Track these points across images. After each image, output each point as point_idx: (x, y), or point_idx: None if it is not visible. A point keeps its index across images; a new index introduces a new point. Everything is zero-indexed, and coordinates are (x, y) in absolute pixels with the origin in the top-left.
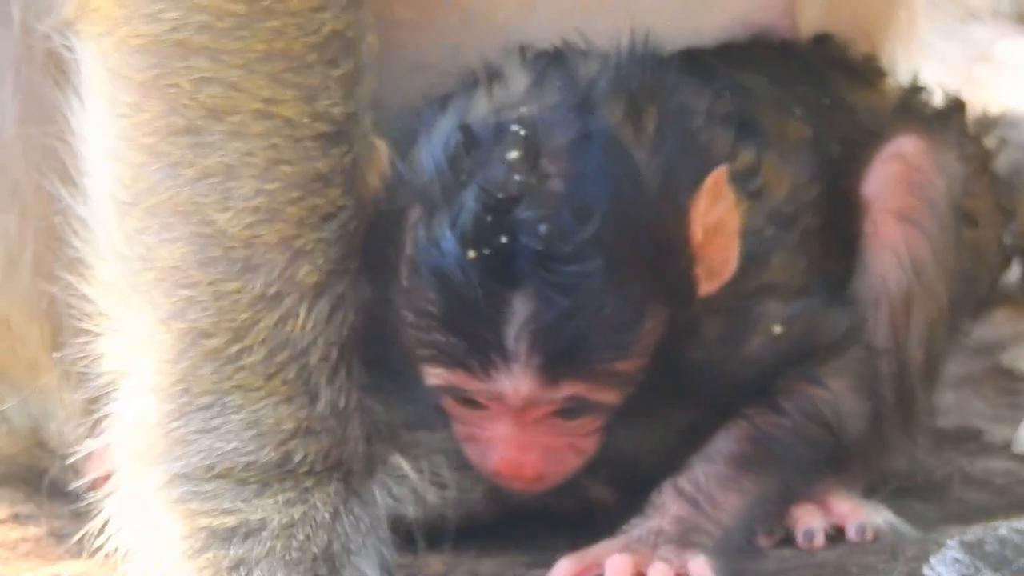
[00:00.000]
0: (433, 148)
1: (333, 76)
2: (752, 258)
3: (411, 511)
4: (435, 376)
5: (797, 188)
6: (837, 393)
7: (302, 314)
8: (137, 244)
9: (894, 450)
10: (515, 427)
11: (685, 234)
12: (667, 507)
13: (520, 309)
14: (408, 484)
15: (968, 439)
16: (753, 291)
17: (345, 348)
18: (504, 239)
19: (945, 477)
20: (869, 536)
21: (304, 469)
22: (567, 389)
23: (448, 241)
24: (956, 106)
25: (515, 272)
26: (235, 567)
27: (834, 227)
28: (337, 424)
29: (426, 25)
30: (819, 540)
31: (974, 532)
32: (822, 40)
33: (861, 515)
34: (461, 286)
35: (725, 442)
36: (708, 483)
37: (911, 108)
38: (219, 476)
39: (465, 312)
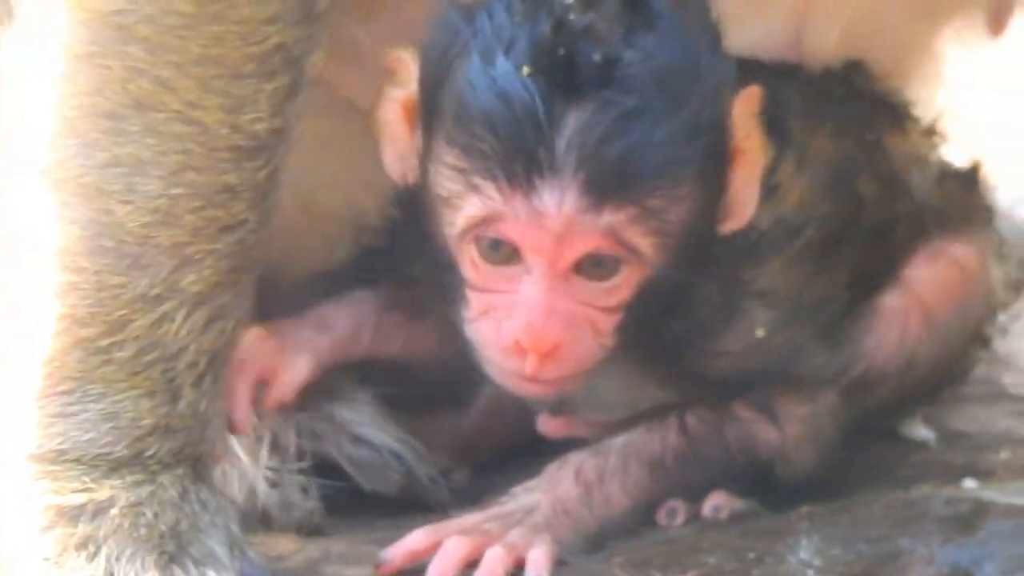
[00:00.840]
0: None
1: (266, 90)
2: (753, 252)
3: (239, 498)
4: (465, 212)
5: (806, 201)
6: (788, 439)
7: (179, 320)
8: (36, 213)
9: None
10: (545, 279)
11: (725, 123)
12: (557, 485)
13: (573, 121)
14: (240, 467)
15: None
16: (747, 286)
17: (216, 357)
18: (562, 51)
19: None
20: (724, 515)
21: (154, 461)
22: (609, 215)
23: (503, 61)
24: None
25: (571, 84)
26: (83, 544)
27: (842, 251)
28: (195, 424)
29: None
30: (680, 519)
31: (827, 510)
32: (854, 68)
33: (719, 496)
34: (516, 99)
35: (652, 444)
36: (612, 478)
37: (962, 205)
38: (70, 460)
39: (517, 125)
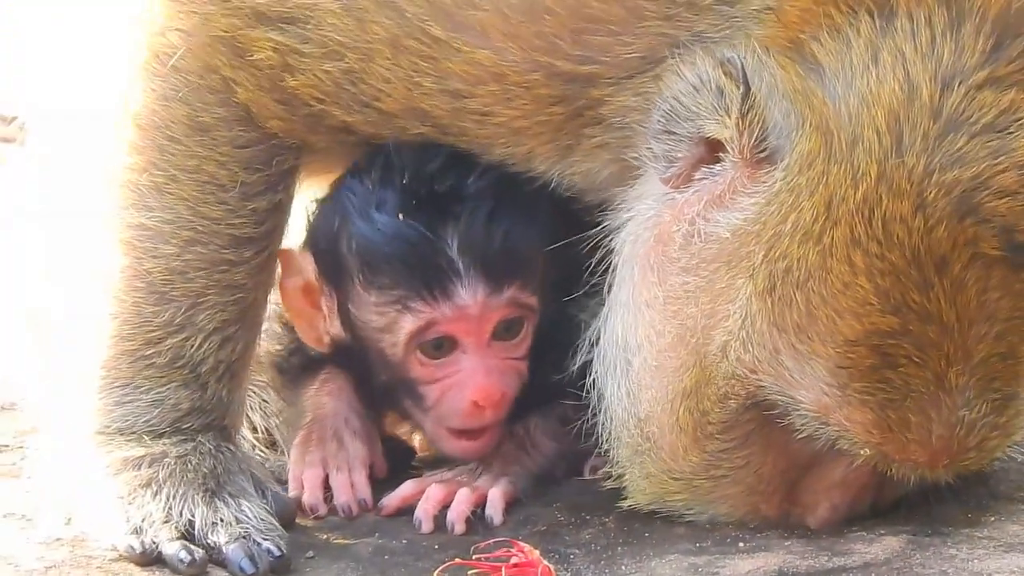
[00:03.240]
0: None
1: (248, 207)
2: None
3: None
4: (407, 328)
5: None
6: None
7: (198, 341)
8: (95, 255)
9: None
10: (478, 351)
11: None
12: (500, 445)
13: (456, 233)
14: None
15: None
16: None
17: (233, 363)
18: (424, 191)
19: None
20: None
21: (191, 430)
22: (508, 291)
23: (381, 215)
24: None
25: (443, 210)
26: (147, 483)
27: None
28: (221, 405)
29: None
30: (599, 473)
31: None
32: None
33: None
34: (408, 236)
35: (553, 409)
36: (536, 430)
37: None
38: (129, 433)
39: (419, 254)
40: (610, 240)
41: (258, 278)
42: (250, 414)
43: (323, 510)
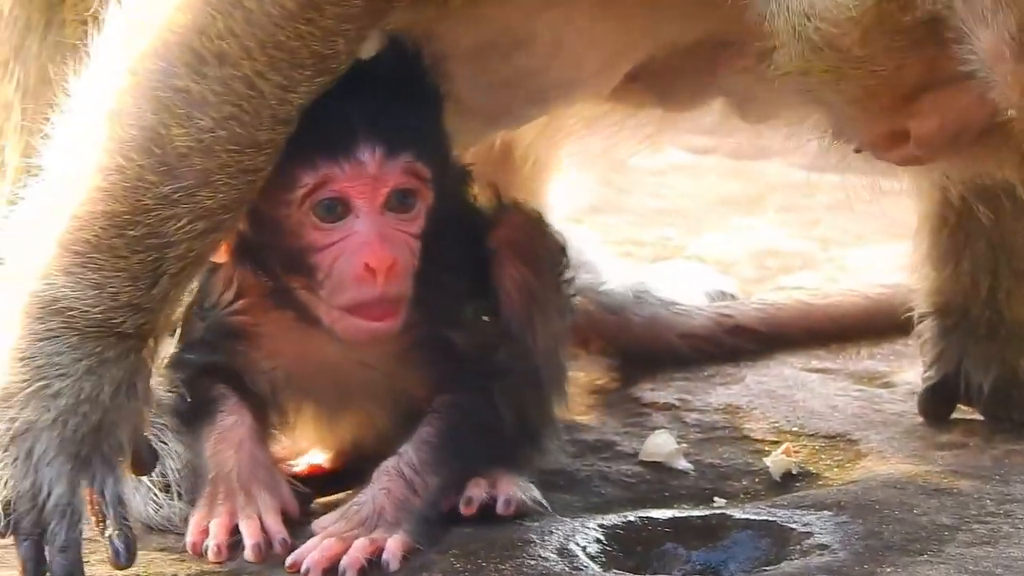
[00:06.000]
0: None
1: (314, 81)
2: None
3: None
4: (304, 181)
5: None
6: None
7: (183, 222)
8: (114, 100)
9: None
10: (371, 215)
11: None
12: (391, 487)
13: (368, 110)
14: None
15: (604, 448)
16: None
17: (200, 257)
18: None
19: (586, 476)
20: (512, 508)
21: (119, 329)
22: (403, 158)
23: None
24: None
25: (357, 82)
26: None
27: None
28: (162, 306)
29: None
30: (475, 507)
31: (610, 518)
32: None
33: (512, 490)
34: (334, 104)
35: (430, 433)
36: (423, 468)
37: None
38: (56, 312)
39: (322, 112)
40: None
41: (273, 161)
42: None
43: (226, 554)
